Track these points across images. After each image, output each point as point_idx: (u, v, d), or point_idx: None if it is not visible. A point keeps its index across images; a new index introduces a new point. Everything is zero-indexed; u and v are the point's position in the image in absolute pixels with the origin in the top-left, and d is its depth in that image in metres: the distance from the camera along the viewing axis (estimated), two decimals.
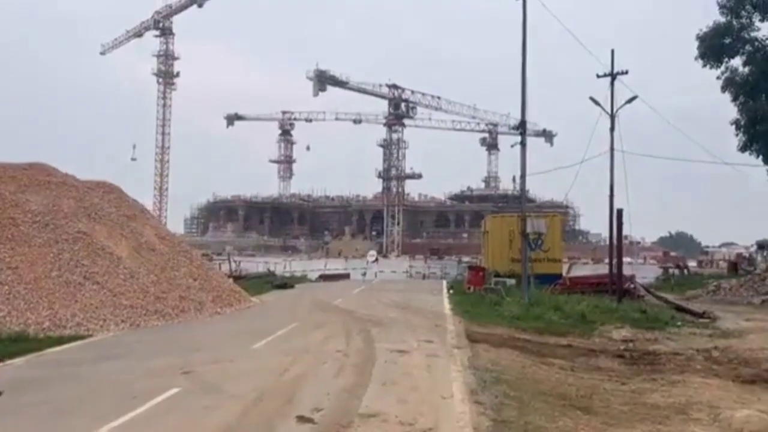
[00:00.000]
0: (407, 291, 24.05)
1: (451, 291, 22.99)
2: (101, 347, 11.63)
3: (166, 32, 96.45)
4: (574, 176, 18.67)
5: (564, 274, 25.85)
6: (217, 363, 9.73)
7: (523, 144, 18.82)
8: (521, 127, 18.54)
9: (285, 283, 26.17)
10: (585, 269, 41.22)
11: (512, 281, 21.78)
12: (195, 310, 16.15)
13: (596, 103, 19.61)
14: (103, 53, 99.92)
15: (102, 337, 12.93)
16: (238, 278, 25.92)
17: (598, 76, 20.22)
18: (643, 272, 32.08)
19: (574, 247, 75.67)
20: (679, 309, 18.01)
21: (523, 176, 18.91)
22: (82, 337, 12.60)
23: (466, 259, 54.26)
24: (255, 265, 35.25)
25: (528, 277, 19.06)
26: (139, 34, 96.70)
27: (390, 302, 19.22)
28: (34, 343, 11.61)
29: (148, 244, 17.67)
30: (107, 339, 12.70)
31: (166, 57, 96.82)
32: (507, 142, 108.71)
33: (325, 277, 33.70)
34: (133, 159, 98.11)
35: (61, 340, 12.12)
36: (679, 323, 15.40)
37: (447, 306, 18.17)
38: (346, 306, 18.01)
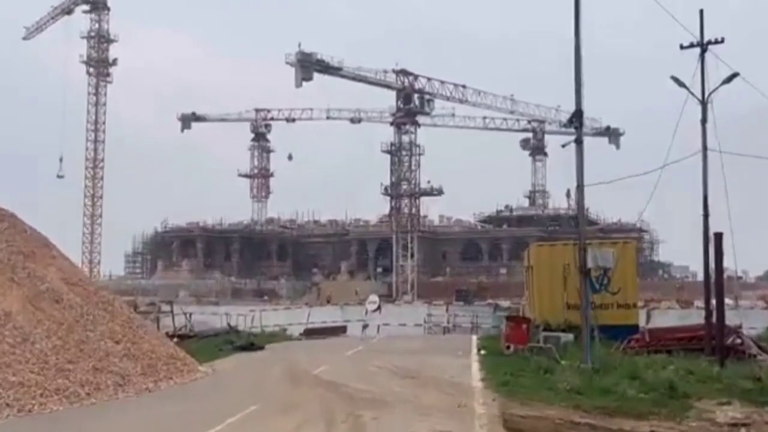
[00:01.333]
0: (421, 352, 23.49)
1: (482, 352, 22.44)
2: None
3: (98, 6, 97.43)
4: (653, 188, 17.69)
5: (641, 324, 25.15)
6: None
7: (578, 141, 17.98)
8: (576, 119, 17.71)
9: (251, 344, 25.63)
10: (669, 317, 40.37)
11: (568, 337, 21.25)
12: (115, 386, 15.32)
13: (680, 83, 18.76)
14: (26, 38, 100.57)
15: None
16: (185, 338, 25.31)
17: (682, 47, 19.51)
18: (752, 320, 31.03)
19: (651, 285, 74.60)
20: None
21: (580, 187, 17.97)
22: None
23: (504, 304, 53.19)
24: (218, 318, 34.44)
25: (591, 330, 18.14)
26: (68, 11, 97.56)
27: (395, 369, 18.56)
28: None
29: (52, 293, 16.93)
30: None
31: (99, 39, 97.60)
32: (557, 143, 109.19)
33: (311, 333, 33.34)
34: (60, 176, 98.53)
35: None
36: None
37: (476, 374, 17.48)
38: (332, 376, 17.30)
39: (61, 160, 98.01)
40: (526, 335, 21.41)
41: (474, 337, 28.94)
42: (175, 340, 23.93)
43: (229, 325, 30.79)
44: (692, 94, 19.15)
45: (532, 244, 28.46)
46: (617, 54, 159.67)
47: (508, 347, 21.27)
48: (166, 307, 45.40)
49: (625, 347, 20.36)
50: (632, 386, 14.70)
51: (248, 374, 18.56)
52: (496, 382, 15.84)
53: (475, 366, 19.17)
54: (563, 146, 18.26)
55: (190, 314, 31.26)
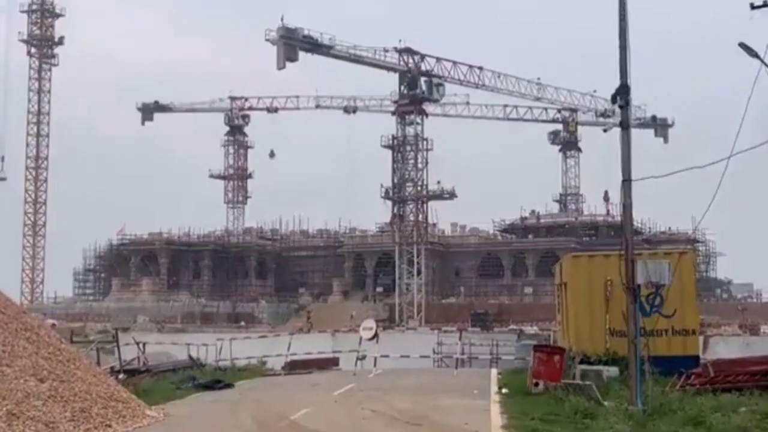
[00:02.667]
0: (428, 390, 22.68)
1: (504, 390, 21.64)
2: None
3: None
4: (714, 187, 16.77)
5: (701, 354, 24.44)
6: None
7: (625, 126, 17.06)
8: (621, 96, 16.84)
9: (216, 381, 25.00)
10: (731, 345, 39.48)
11: (612, 371, 20.71)
12: None
13: (751, 52, 17.79)
14: None
15: None
16: (135, 374, 24.59)
17: (753, 7, 18.48)
18: None
19: (708, 306, 73.73)
20: None
21: (627, 182, 17.06)
22: None
23: (530, 330, 52.43)
24: (181, 348, 33.77)
25: (641, 363, 17.38)
26: None
27: (395, 414, 17.72)
28: None
29: None
30: None
31: (42, 14, 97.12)
32: (592, 136, 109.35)
33: (294, 367, 32.56)
34: (2, 179, 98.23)
35: None
36: None
37: (497, 421, 16.55)
38: (313, 423, 16.42)
39: (2, 159, 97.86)
40: (559, 369, 20.75)
41: (494, 372, 28.17)
42: (122, 376, 23.28)
43: (190, 357, 30.04)
44: (765, 65, 18.18)
45: (565, 256, 27.62)
46: (664, 31, 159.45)
47: (537, 384, 20.65)
48: (123, 335, 45.03)
49: (682, 384, 19.66)
50: None
51: (207, 421, 17.67)
52: (521, 431, 15.13)
53: (496, 409, 18.37)
54: (605, 131, 17.60)
55: (144, 344, 30.43)
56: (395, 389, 22.93)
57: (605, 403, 17.25)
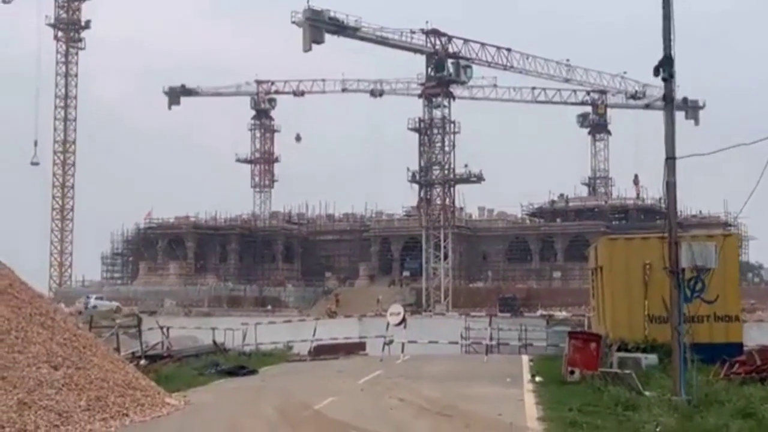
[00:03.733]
0: (458, 378, 22.13)
1: (537, 378, 20.99)
2: None
3: None
4: (761, 168, 15.77)
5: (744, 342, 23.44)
6: None
7: (668, 100, 16.09)
8: (665, 68, 15.81)
9: (240, 367, 24.55)
10: (767, 331, 38.47)
11: (651, 359, 20.13)
12: (49, 426, 13.86)
13: None
14: (6, 1, 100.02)
15: None
16: (156, 360, 24.08)
17: None
18: None
19: (743, 291, 72.06)
20: None
21: (670, 161, 16.06)
22: None
23: (560, 314, 51.42)
24: (205, 333, 33.27)
25: (684, 350, 16.42)
26: None
27: (424, 403, 17.15)
28: None
29: None
30: None
31: None
32: (622, 118, 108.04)
33: (320, 352, 32.14)
34: (35, 163, 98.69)
35: None
36: None
37: (532, 411, 15.85)
38: (339, 413, 15.79)
39: (35, 144, 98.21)
40: (596, 357, 20.13)
41: (525, 358, 27.58)
42: (143, 362, 22.70)
43: (214, 342, 29.46)
44: None
45: (600, 239, 26.75)
46: (694, 9, 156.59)
47: (572, 372, 20.03)
48: (150, 319, 44.59)
49: (726, 373, 18.86)
50: (746, 428, 13.30)
51: (227, 410, 17.08)
52: (560, 423, 14.31)
53: (530, 398, 17.68)
54: (647, 105, 16.43)
55: (168, 328, 29.89)
56: (423, 376, 22.44)
57: (646, 393, 16.60)
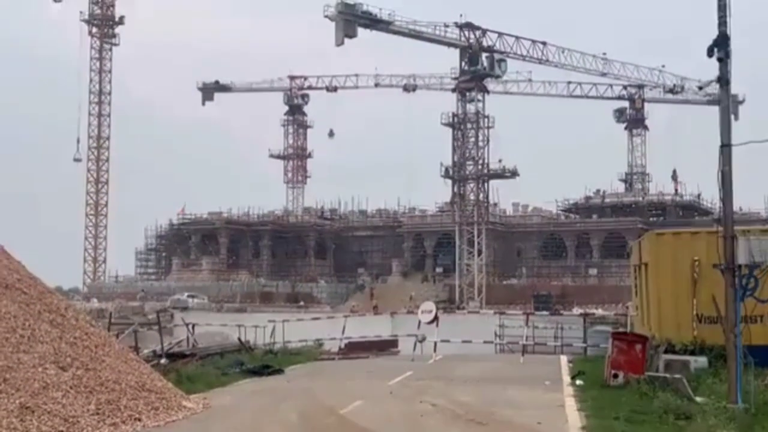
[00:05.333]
0: (493, 380, 21.12)
1: (578, 382, 19.72)
2: None
3: None
4: None
5: None
6: None
7: (724, 81, 14.86)
8: (720, 47, 14.52)
9: (265, 366, 23.54)
10: None
11: (700, 362, 18.83)
12: None
13: None
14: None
15: None
16: (178, 358, 23.05)
17: None
18: None
19: None
20: None
21: (726, 148, 14.78)
22: None
23: (597, 312, 50.06)
24: (235, 330, 32.39)
25: (740, 353, 15.27)
26: None
27: (457, 408, 16.00)
28: None
29: None
30: None
31: None
32: (659, 114, 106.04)
33: (351, 349, 31.37)
34: (77, 159, 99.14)
35: None
36: None
37: (575, 419, 14.64)
38: (366, 419, 14.68)
39: (78, 141, 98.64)
40: (642, 360, 18.83)
41: (563, 359, 26.26)
42: (164, 361, 21.72)
43: (240, 340, 28.47)
44: None
45: (646, 233, 25.31)
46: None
47: (616, 376, 18.79)
48: (180, 315, 43.87)
49: None
50: None
51: (248, 414, 16.04)
52: None
53: (571, 404, 16.45)
54: (700, 88, 15.23)
55: (193, 325, 28.97)
56: (456, 378, 21.35)
57: (697, 399, 15.38)
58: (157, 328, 27.33)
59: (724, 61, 14.91)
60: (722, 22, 14.90)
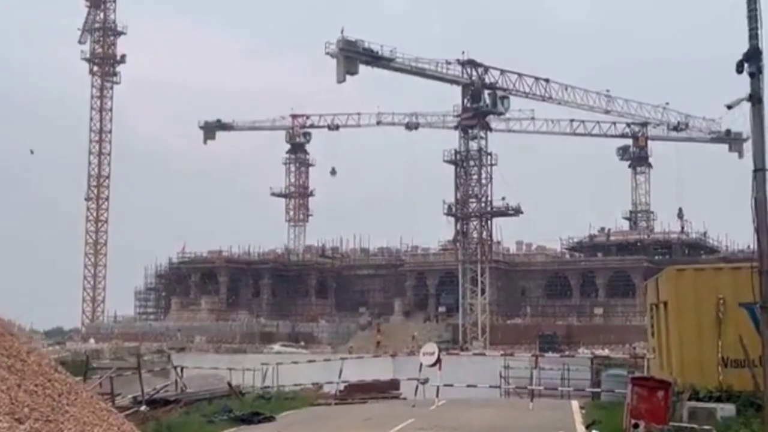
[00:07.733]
0: (499, 430, 19.70)
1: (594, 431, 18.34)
2: None
3: None
4: None
5: None
6: None
7: (755, 99, 13.45)
8: (752, 62, 13.15)
9: (255, 413, 21.79)
10: None
11: (728, 409, 17.38)
12: None
13: None
14: (81, 41, 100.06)
15: None
16: (161, 405, 21.22)
17: None
18: None
19: None
20: None
21: (759, 172, 13.28)
22: None
23: (602, 352, 48.48)
24: (228, 373, 30.86)
25: None
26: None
27: None
28: None
29: None
30: None
31: (104, 32, 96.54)
32: (664, 151, 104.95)
33: (350, 392, 30.12)
34: (87, 199, 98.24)
35: None
36: None
37: None
38: None
39: (89, 179, 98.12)
40: (665, 408, 17.02)
41: (575, 405, 24.46)
42: (143, 408, 20.02)
43: (229, 384, 26.76)
44: None
45: (666, 269, 23.72)
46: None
47: (636, 426, 16.97)
48: (179, 356, 42.30)
49: None
50: None
51: None
52: None
53: None
54: (729, 107, 13.75)
55: (182, 368, 27.31)
56: (461, 428, 19.75)
57: None
58: (152, 371, 25.88)
59: (756, 76, 13.54)
60: (753, 34, 13.57)
